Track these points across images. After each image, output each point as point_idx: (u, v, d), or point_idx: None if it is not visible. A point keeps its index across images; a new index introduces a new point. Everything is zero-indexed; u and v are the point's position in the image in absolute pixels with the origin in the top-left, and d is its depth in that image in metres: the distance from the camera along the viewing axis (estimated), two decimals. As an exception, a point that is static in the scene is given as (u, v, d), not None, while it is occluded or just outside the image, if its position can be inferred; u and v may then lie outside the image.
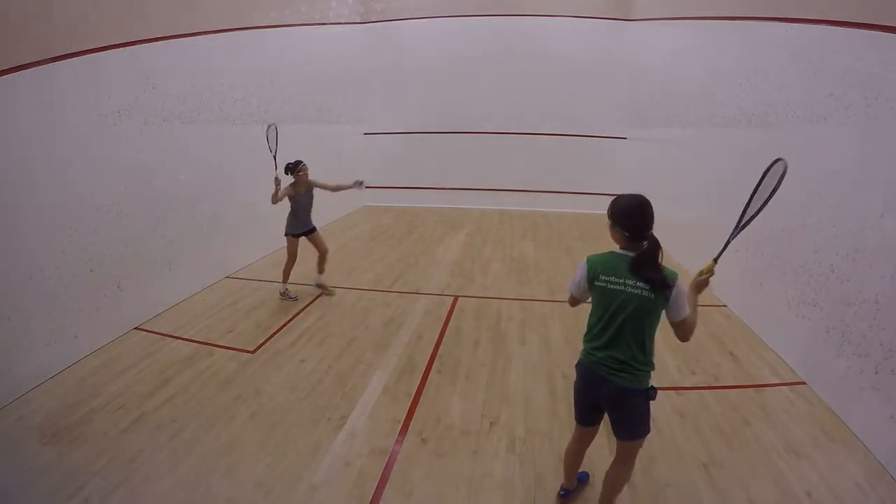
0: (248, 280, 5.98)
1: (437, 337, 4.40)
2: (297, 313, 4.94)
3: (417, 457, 2.86)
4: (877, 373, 2.86)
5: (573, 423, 3.14)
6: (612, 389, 1.99)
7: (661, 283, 1.83)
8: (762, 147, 4.49)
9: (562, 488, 2.53)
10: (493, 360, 3.99)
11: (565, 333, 4.42)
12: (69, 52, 3.89)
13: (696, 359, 3.95)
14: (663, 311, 1.91)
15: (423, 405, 3.38)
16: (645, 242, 1.89)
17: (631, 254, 1.91)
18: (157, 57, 4.87)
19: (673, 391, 3.49)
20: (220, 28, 5.82)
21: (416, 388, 3.59)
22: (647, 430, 2.07)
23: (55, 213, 3.79)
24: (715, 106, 5.57)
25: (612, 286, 1.92)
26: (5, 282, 3.42)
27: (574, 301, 2.17)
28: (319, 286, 5.50)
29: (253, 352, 4.15)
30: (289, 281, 5.35)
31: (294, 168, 5.02)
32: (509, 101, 10.25)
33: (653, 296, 1.86)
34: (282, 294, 5.33)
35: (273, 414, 3.28)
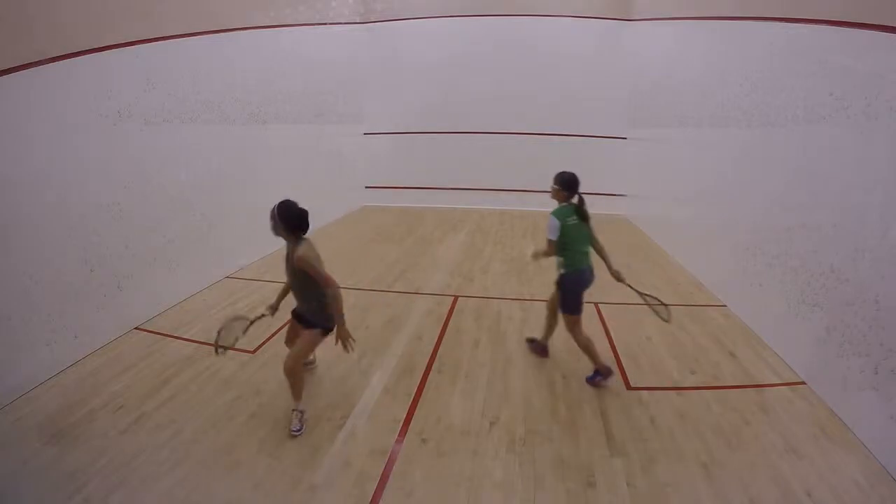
0: (248, 280, 5.98)
1: (437, 337, 4.40)
2: (297, 313, 4.94)
3: (417, 457, 2.86)
4: (877, 373, 2.86)
5: (573, 423, 3.16)
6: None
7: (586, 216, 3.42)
8: (762, 147, 4.50)
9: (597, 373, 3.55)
10: (493, 360, 3.99)
11: (564, 333, 4.40)
12: (70, 51, 3.89)
13: (696, 359, 3.94)
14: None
15: (423, 405, 3.38)
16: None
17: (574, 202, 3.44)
18: (158, 57, 4.88)
19: (673, 391, 3.49)
20: (220, 28, 5.83)
21: (416, 388, 3.59)
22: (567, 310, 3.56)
23: (55, 212, 3.79)
24: (715, 106, 5.57)
25: (570, 223, 3.38)
26: (5, 282, 3.42)
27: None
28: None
29: (253, 352, 4.15)
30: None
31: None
32: (509, 100, 10.24)
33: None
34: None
35: (273, 414, 3.28)
